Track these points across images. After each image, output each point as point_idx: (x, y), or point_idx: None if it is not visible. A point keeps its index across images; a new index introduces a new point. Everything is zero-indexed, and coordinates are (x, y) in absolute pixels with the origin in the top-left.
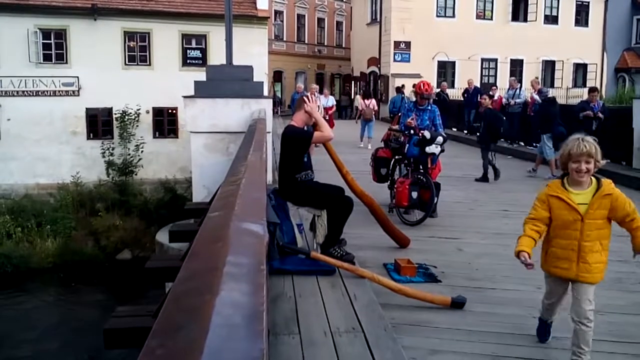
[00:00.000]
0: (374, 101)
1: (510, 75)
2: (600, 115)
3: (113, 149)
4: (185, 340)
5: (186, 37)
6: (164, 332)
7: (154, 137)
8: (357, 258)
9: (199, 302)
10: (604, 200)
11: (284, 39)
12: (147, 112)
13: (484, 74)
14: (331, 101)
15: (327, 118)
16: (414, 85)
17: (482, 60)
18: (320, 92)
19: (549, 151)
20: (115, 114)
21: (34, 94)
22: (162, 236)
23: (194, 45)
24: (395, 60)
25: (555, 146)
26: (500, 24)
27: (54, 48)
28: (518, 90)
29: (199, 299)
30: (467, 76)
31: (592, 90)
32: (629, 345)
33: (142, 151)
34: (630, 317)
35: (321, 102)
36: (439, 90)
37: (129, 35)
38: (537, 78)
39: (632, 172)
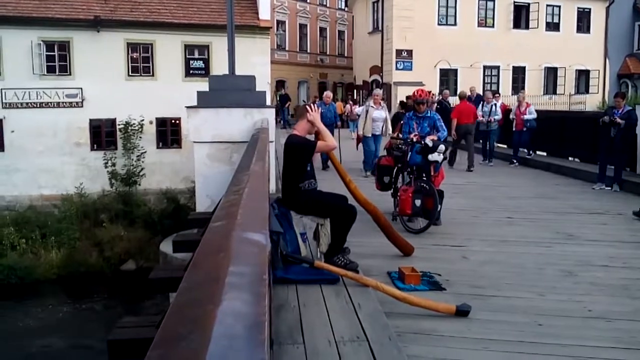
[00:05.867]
0: (357, 106)
1: (513, 83)
2: (620, 121)
3: (115, 159)
4: (186, 350)
5: (189, 48)
6: (165, 343)
7: (158, 147)
8: (361, 266)
9: (200, 312)
10: None
11: (286, 49)
12: (151, 122)
13: (486, 81)
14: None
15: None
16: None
17: (484, 67)
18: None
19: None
20: (119, 124)
21: (38, 105)
22: (166, 246)
23: (196, 55)
24: (397, 69)
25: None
26: (502, 32)
27: (58, 60)
28: (495, 107)
29: (201, 309)
30: (469, 84)
31: (617, 95)
32: (636, 352)
33: (143, 161)
34: (637, 324)
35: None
36: (440, 97)
37: (132, 47)
38: (523, 91)
39: (636, 178)
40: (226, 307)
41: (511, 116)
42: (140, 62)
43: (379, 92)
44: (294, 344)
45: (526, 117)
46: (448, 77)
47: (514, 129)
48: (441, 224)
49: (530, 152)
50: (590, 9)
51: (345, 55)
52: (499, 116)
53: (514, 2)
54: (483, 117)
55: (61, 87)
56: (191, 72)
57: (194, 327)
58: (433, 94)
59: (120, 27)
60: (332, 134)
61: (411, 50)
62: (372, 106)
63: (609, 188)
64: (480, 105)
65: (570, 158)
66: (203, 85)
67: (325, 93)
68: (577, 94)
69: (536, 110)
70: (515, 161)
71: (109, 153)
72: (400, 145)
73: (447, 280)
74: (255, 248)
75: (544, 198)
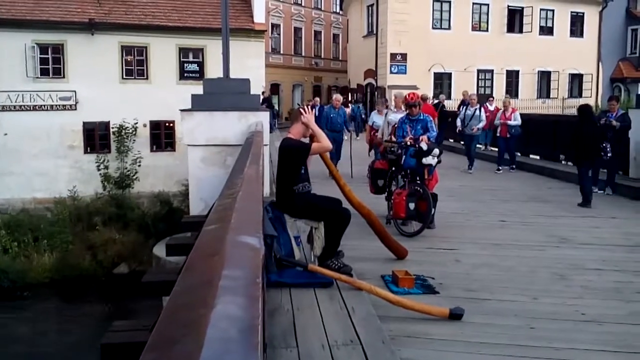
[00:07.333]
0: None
1: (507, 86)
2: (616, 123)
3: (108, 162)
4: (180, 354)
5: (183, 51)
6: (158, 347)
7: (152, 150)
8: (354, 270)
9: (194, 316)
10: None
11: (281, 52)
12: (145, 125)
13: (480, 85)
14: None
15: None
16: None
17: (478, 71)
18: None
19: None
20: (113, 127)
21: (32, 108)
22: (159, 250)
23: (191, 58)
24: (391, 72)
25: None
26: (496, 36)
27: (52, 62)
28: (478, 110)
29: (194, 313)
30: (463, 87)
31: (611, 98)
32: (628, 355)
33: (139, 165)
34: (629, 327)
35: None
36: (437, 101)
37: (126, 50)
38: (508, 96)
39: (629, 182)
40: (220, 310)
41: (496, 121)
42: (135, 65)
43: (399, 93)
44: (287, 348)
45: (510, 123)
46: (442, 81)
47: (498, 134)
48: (435, 228)
49: (514, 166)
50: (583, 13)
51: (340, 58)
52: (483, 122)
53: (508, 6)
54: (464, 120)
55: (55, 90)
56: (185, 75)
57: (187, 330)
58: (428, 97)
59: (115, 30)
60: (341, 140)
61: (405, 54)
62: (391, 109)
63: (602, 191)
64: (463, 109)
65: (563, 162)
66: (197, 88)
67: (334, 96)
68: (570, 97)
69: (530, 114)
70: (500, 169)
71: (102, 156)
72: (393, 149)
73: (440, 283)
74: (249, 251)
75: (537, 201)
